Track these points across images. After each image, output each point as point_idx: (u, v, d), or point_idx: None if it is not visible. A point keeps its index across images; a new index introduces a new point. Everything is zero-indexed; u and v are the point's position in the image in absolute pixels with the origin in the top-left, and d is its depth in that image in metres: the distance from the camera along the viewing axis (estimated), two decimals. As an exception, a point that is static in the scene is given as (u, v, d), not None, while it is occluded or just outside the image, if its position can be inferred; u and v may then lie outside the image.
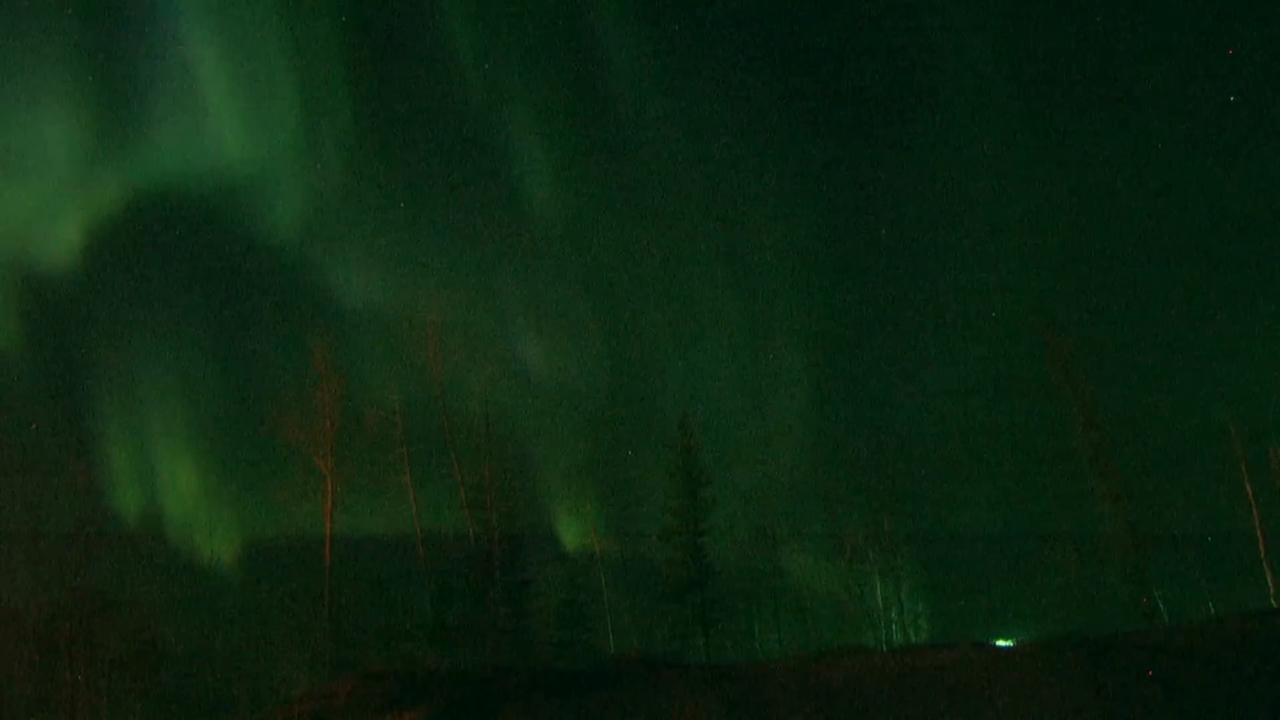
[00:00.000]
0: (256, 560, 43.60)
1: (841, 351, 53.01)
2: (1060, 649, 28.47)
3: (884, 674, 28.39)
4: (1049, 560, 41.81)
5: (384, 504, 39.98)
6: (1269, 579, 37.54)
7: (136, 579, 40.81)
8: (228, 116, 55.47)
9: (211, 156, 54.81)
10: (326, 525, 37.97)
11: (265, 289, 52.52)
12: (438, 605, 38.73)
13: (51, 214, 50.47)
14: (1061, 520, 42.94)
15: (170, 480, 44.90)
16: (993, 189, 54.53)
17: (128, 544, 41.53)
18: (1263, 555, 37.82)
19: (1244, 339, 44.05)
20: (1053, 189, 54.02)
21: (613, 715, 27.90)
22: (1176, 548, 39.59)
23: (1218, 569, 40.10)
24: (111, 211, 52.34)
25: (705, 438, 42.07)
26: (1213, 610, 38.61)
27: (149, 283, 52.50)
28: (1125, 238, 50.94)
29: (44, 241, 50.22)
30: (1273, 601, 37.20)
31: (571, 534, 44.05)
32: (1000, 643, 34.92)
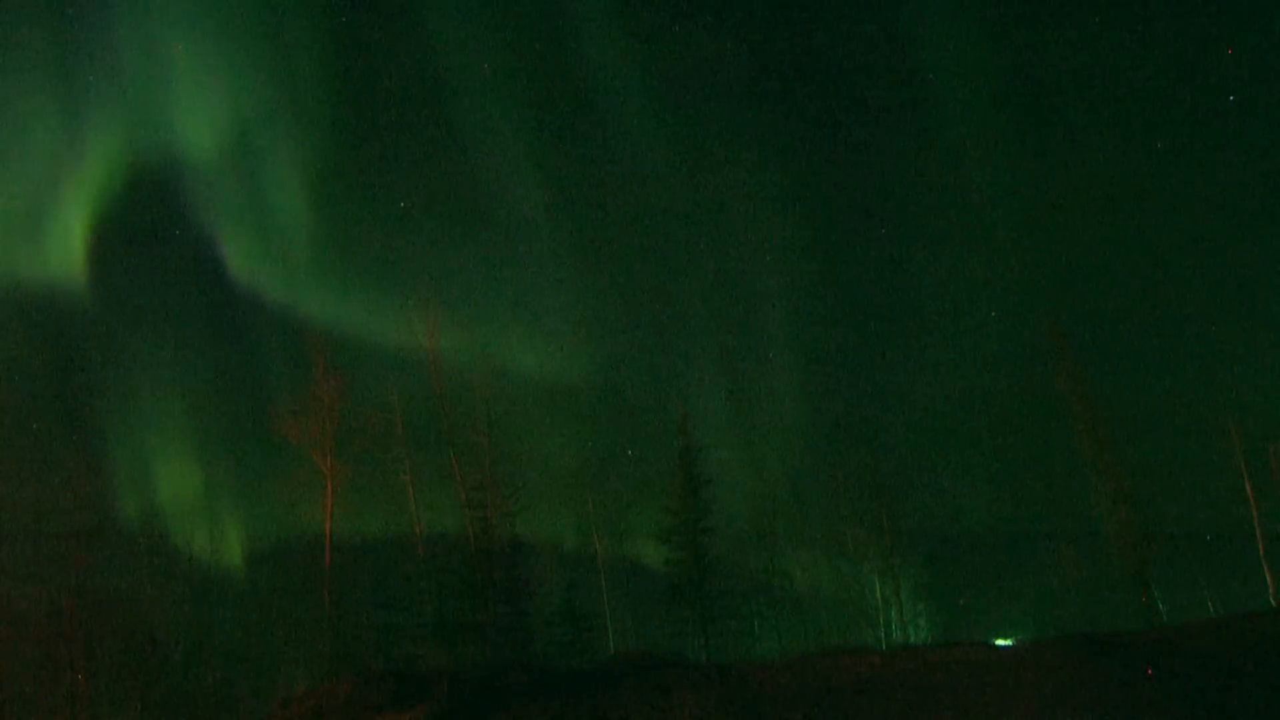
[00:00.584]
0: (256, 560, 43.62)
1: (842, 351, 53.05)
2: (1060, 649, 28.50)
3: (884, 674, 28.42)
4: (1049, 560, 41.85)
5: (384, 504, 40.01)
6: (1269, 579, 37.52)
7: (137, 579, 40.82)
8: (217, 117, 55.47)
9: (205, 158, 54.84)
10: (326, 525, 37.95)
11: (263, 290, 52.45)
12: (438, 605, 38.71)
13: (49, 215, 50.45)
14: (1062, 520, 43.01)
15: (171, 480, 44.91)
16: (992, 189, 54.54)
17: (128, 544, 41.55)
18: (1262, 555, 37.81)
19: (1244, 339, 44.07)
20: (1052, 189, 54.04)
21: (613, 715, 27.92)
22: (1176, 547, 39.59)
23: (1218, 569, 40.11)
24: (109, 212, 52.35)
25: (705, 438, 42.13)
26: (1213, 610, 38.62)
27: (147, 283, 52.49)
28: (1125, 238, 50.97)
29: (41, 241, 50.25)
30: (1273, 601, 37.19)
31: (572, 534, 44.08)
32: (1000, 643, 34.93)
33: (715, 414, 48.30)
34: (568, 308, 51.33)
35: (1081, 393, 39.38)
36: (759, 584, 43.69)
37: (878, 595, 40.91)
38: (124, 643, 37.62)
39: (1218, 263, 48.53)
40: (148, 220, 53.19)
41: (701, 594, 38.81)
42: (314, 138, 57.14)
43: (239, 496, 43.76)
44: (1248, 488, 38.18)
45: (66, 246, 50.73)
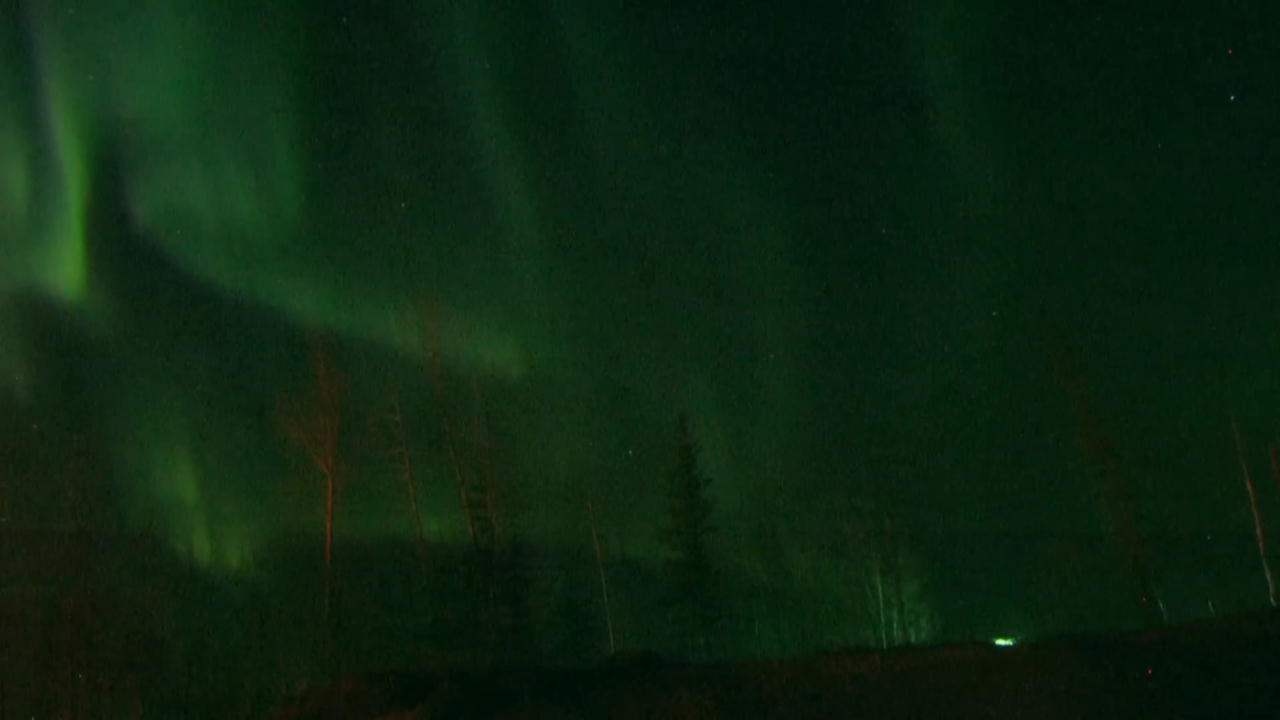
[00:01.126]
0: (257, 560, 43.64)
1: (841, 350, 53.00)
2: (1060, 649, 28.47)
3: (884, 674, 28.40)
4: (1049, 560, 41.82)
5: (385, 504, 40.04)
6: (1269, 578, 37.53)
7: (137, 579, 40.82)
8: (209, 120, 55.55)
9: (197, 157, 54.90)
10: (327, 525, 37.98)
11: (261, 289, 52.51)
12: (438, 605, 38.74)
13: (39, 214, 50.50)
14: (1062, 520, 42.99)
15: (171, 480, 44.95)
16: (992, 187, 54.50)
17: (129, 544, 41.54)
18: (1263, 554, 37.82)
19: (1244, 339, 44.04)
20: (1051, 188, 54.00)
21: (613, 715, 27.91)
22: (1176, 547, 39.59)
23: (1218, 569, 40.10)
24: (105, 210, 52.39)
25: (705, 438, 42.19)
26: (1213, 609, 38.62)
27: (147, 283, 52.51)
28: (1125, 237, 50.93)
29: (36, 242, 50.33)
30: (1273, 601, 37.19)
31: (572, 534, 44.06)
32: (1000, 642, 34.92)
33: (714, 413, 48.33)
34: (566, 306, 51.31)
35: (1082, 392, 39.42)
36: (759, 584, 43.74)
37: (878, 595, 40.92)
38: (124, 643, 37.65)
39: (1218, 262, 48.51)
40: (143, 226, 53.16)
41: (701, 594, 38.87)
42: (308, 134, 57.16)
43: (240, 496, 43.80)
44: (1248, 488, 38.19)
45: (60, 247, 50.77)
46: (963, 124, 55.52)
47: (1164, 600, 37.76)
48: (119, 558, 40.23)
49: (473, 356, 40.92)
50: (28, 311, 48.02)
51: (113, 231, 52.55)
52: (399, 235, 53.85)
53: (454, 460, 39.28)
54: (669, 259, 55.71)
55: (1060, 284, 49.42)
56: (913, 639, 39.95)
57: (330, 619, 37.82)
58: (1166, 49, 54.03)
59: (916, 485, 43.20)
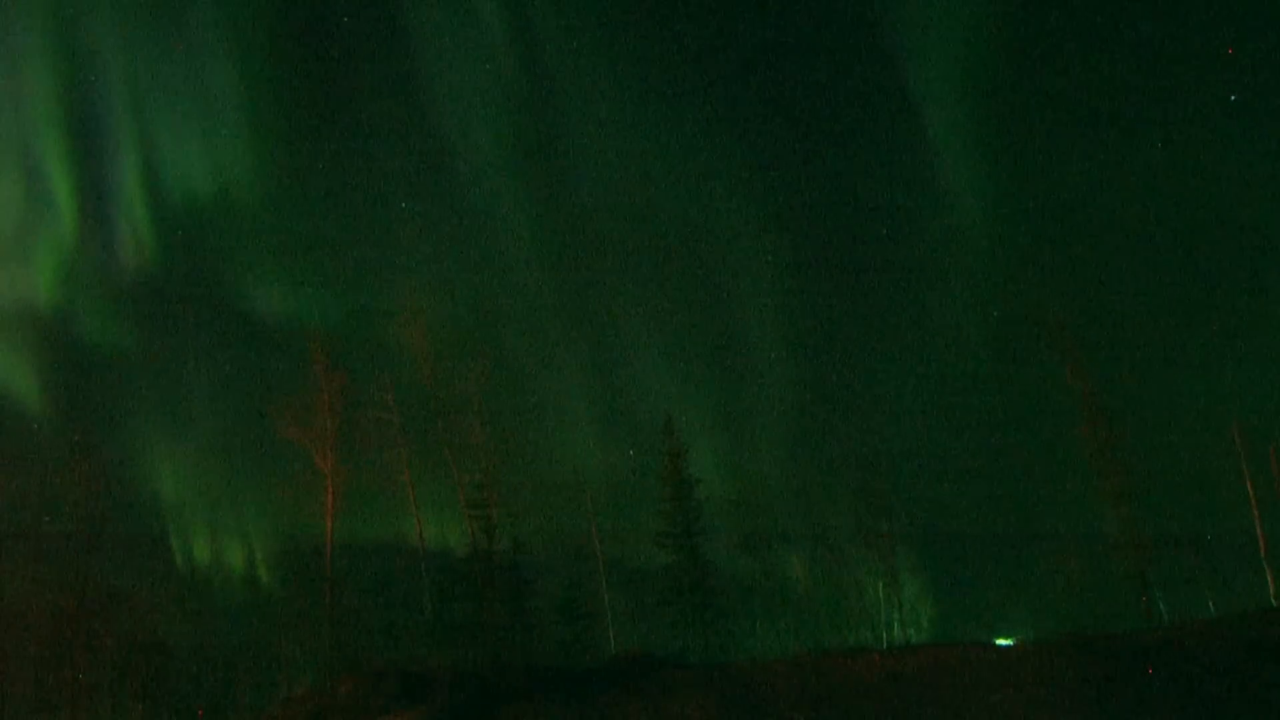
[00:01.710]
0: (257, 560, 43.64)
1: (842, 349, 52.95)
2: (1060, 649, 28.49)
3: (884, 674, 28.41)
4: (1049, 560, 41.80)
5: (384, 504, 40.06)
6: (1269, 579, 37.51)
7: (138, 579, 40.84)
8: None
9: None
10: (327, 525, 38.00)
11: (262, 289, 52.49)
12: (438, 605, 38.75)
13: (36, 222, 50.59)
14: (1062, 520, 42.97)
15: (172, 480, 44.94)
16: (991, 187, 54.47)
17: (130, 544, 41.56)
18: (1263, 555, 37.79)
19: (1244, 339, 44.02)
20: (1051, 188, 53.96)
21: (613, 715, 27.92)
22: (1177, 547, 39.57)
23: (1218, 569, 40.08)
24: (101, 210, 52.42)
25: (703, 437, 42.16)
26: (1213, 610, 38.57)
27: (146, 283, 52.53)
28: (1125, 237, 50.89)
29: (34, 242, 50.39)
30: (1273, 601, 37.17)
31: (572, 533, 44.03)
32: (1000, 642, 34.90)
33: (715, 413, 48.30)
34: (563, 304, 51.31)
35: (1084, 392, 39.40)
36: (759, 584, 43.70)
37: (878, 595, 40.89)
38: (125, 643, 37.68)
39: (1218, 262, 48.50)
40: (139, 225, 53.20)
41: (701, 594, 38.84)
42: (306, 132, 57.20)
43: (240, 496, 43.79)
44: (1249, 488, 38.18)
45: (59, 251, 50.82)
46: (960, 122, 55.50)
47: (1164, 600, 37.74)
48: (119, 558, 40.25)
49: (472, 356, 40.86)
50: (28, 312, 48.04)
51: (112, 231, 52.55)
52: (399, 234, 53.83)
53: (453, 460, 39.33)
54: (664, 259, 55.62)
55: (1060, 284, 49.38)
56: (913, 639, 39.94)
57: (331, 619, 37.82)
58: (1166, 49, 53.99)
59: (916, 485, 43.19)
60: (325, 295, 50.45)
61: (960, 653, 29.86)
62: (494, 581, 37.71)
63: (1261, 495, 38.03)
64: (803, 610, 43.45)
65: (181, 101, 55.71)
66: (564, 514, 43.21)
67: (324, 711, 30.58)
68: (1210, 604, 39.15)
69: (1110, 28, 56.15)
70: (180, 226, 54.13)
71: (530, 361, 46.28)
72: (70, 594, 36.82)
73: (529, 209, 55.92)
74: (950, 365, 49.03)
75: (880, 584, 40.80)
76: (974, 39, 54.54)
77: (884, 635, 40.22)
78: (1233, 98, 49.48)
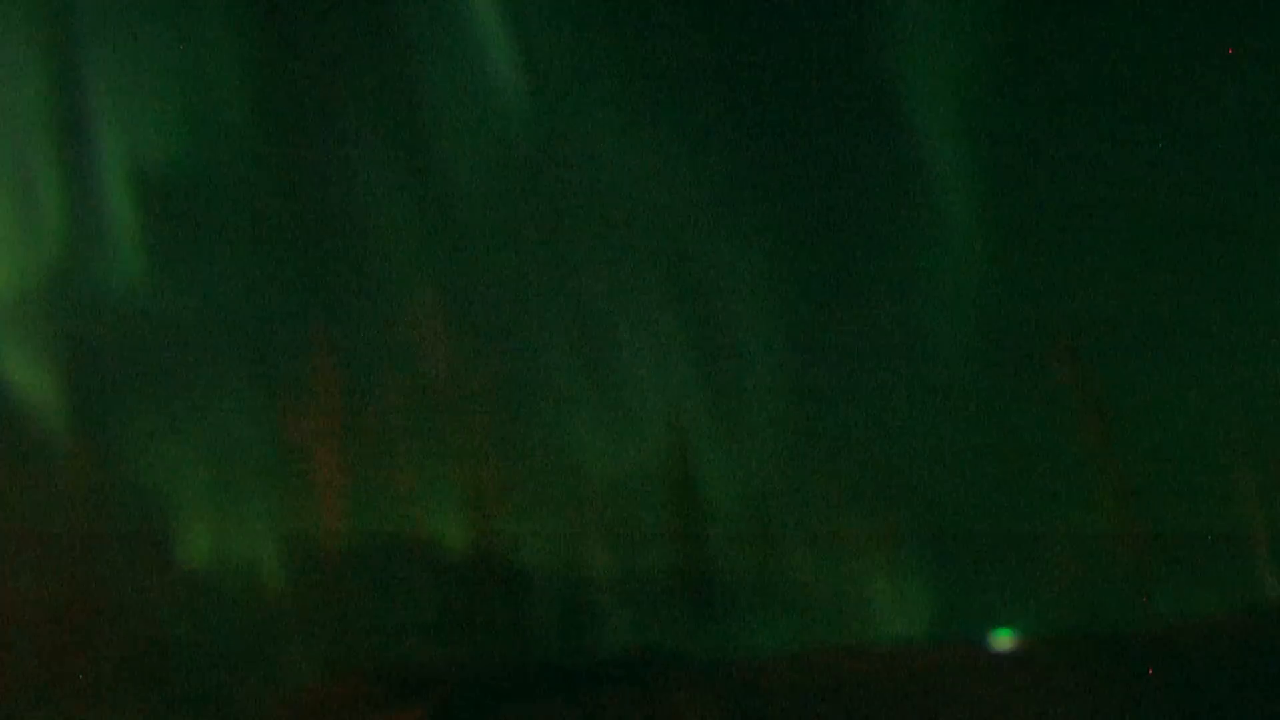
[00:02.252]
0: (256, 559, 43.63)
1: (839, 347, 52.92)
2: (1061, 648, 28.48)
3: (884, 673, 28.41)
4: (1049, 559, 41.83)
5: (384, 502, 40.08)
6: (1269, 578, 37.56)
7: (138, 579, 40.83)
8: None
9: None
10: (327, 524, 38.02)
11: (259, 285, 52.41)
12: (437, 604, 38.80)
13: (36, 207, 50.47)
14: (1062, 519, 42.99)
15: (171, 479, 44.90)
16: (991, 187, 54.42)
17: (129, 544, 41.56)
18: (1263, 554, 37.85)
19: (1244, 339, 44.04)
20: (1051, 188, 53.92)
21: (613, 714, 27.91)
22: (1177, 547, 39.61)
23: (1218, 569, 40.12)
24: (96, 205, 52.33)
25: (705, 437, 42.18)
26: (1213, 610, 38.61)
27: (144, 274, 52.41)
28: (1125, 237, 50.89)
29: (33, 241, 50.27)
30: (1273, 601, 37.23)
31: (572, 532, 44.05)
32: (1000, 642, 34.91)
33: (714, 413, 48.27)
34: (562, 306, 51.26)
35: (1084, 391, 39.45)
36: (759, 583, 43.72)
37: (878, 594, 40.94)
38: (125, 643, 37.68)
39: (1218, 262, 48.49)
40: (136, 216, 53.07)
41: (702, 593, 38.89)
42: (303, 131, 57.14)
43: (240, 495, 43.76)
44: (1249, 487, 38.22)
45: (55, 243, 50.71)
46: (961, 121, 55.44)
47: (1164, 600, 37.78)
48: (119, 558, 40.26)
49: (471, 356, 40.89)
50: (28, 313, 47.97)
51: (112, 232, 52.47)
52: (398, 235, 53.74)
53: (453, 459, 39.37)
54: (663, 262, 55.60)
55: (1060, 282, 49.38)
56: (913, 639, 39.95)
57: (330, 618, 37.84)
58: (1167, 49, 53.97)
59: (916, 483, 43.21)
60: (325, 295, 50.38)
61: (960, 652, 29.87)
62: (493, 581, 37.75)
63: (1261, 494, 38.10)
64: (803, 609, 43.49)
65: (171, 99, 55.60)
66: (564, 512, 43.25)
67: (324, 711, 30.58)
68: (1210, 604, 39.21)
69: (1109, 27, 56.11)
70: (174, 223, 54.01)
71: (529, 360, 46.20)
72: (70, 594, 36.83)
73: (527, 211, 55.86)
74: (949, 364, 49.02)
75: (880, 583, 40.86)
76: (973, 39, 54.49)
77: (884, 634, 40.26)
78: (1233, 98, 49.46)
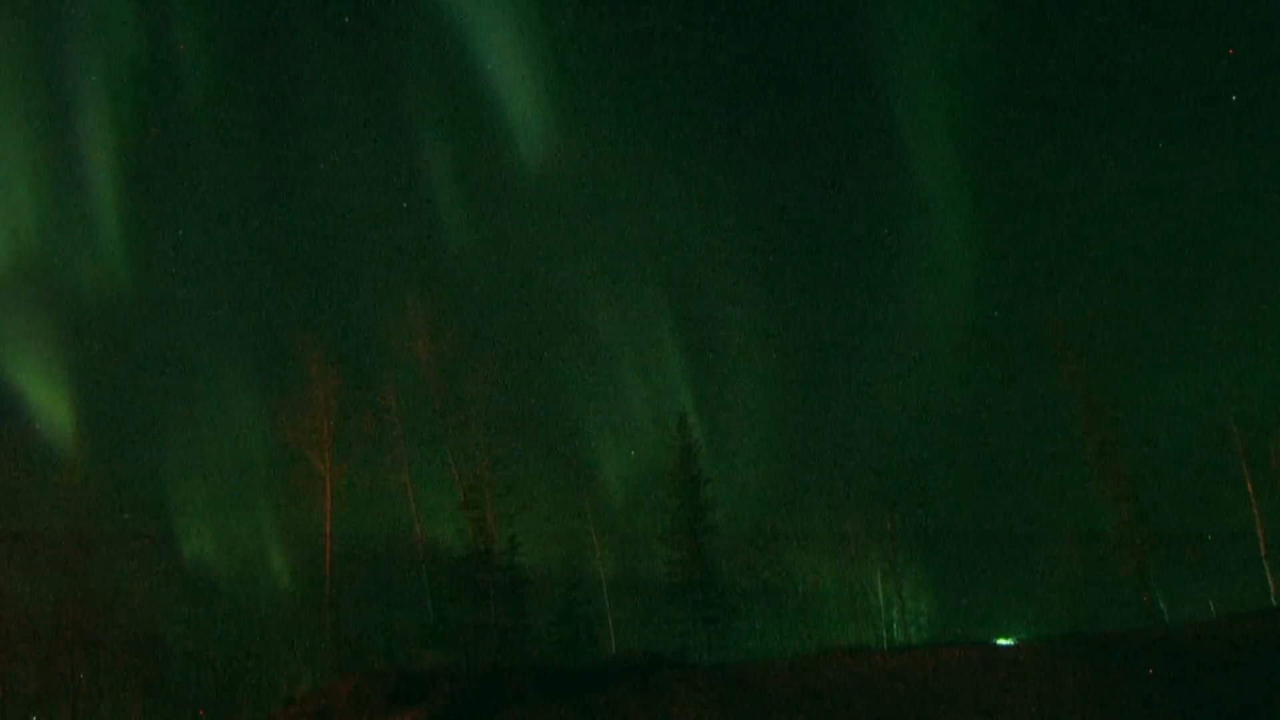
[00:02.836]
0: (257, 560, 43.62)
1: (841, 349, 52.97)
2: (1061, 648, 28.51)
3: (884, 674, 28.43)
4: (1049, 560, 41.81)
5: (384, 505, 40.07)
6: (1269, 577, 37.55)
7: (138, 579, 40.83)
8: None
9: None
10: (326, 526, 38.01)
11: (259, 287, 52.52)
12: (438, 605, 38.78)
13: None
14: (1062, 520, 42.99)
15: (171, 479, 44.92)
16: (992, 188, 54.50)
17: (129, 544, 41.56)
18: (1263, 553, 37.84)
19: (1244, 338, 44.04)
20: (1052, 188, 53.98)
21: (613, 714, 27.92)
22: (1177, 547, 39.60)
23: (1218, 569, 40.11)
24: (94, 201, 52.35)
25: (704, 437, 42.15)
26: (1213, 609, 38.63)
27: (145, 277, 52.47)
28: (1125, 236, 50.95)
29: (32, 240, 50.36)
30: (1273, 600, 37.21)
31: (572, 532, 44.03)
32: (1000, 642, 34.91)
33: (714, 412, 48.30)
34: (562, 306, 51.32)
35: (1084, 392, 39.43)
36: (760, 583, 43.70)
37: (878, 595, 40.91)
38: (125, 643, 37.68)
39: (1218, 261, 48.53)
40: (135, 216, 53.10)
41: (702, 594, 38.84)
42: (303, 131, 57.25)
43: (239, 496, 43.77)
44: (1248, 487, 38.22)
45: (55, 245, 50.76)
46: (962, 121, 55.47)
47: (1164, 600, 37.76)
48: (119, 558, 40.25)
49: (471, 357, 40.89)
50: (27, 312, 48.01)
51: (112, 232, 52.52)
52: (399, 235, 53.79)
53: (453, 461, 39.36)
54: (659, 264, 55.64)
55: (1061, 283, 49.44)
56: (913, 638, 39.95)
57: (330, 619, 37.83)
58: (1167, 49, 54.01)
59: (917, 484, 43.17)
60: (325, 296, 50.45)
61: (960, 653, 29.88)
62: (493, 581, 37.73)
63: (1261, 494, 38.09)
64: (803, 610, 43.48)
65: (161, 110, 55.67)
66: (564, 513, 43.24)
67: (324, 711, 30.59)
68: (1210, 604, 39.20)
69: (1110, 27, 56.17)
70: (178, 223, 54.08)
71: (528, 362, 46.24)
72: (70, 594, 36.84)
73: (525, 212, 55.97)
74: (950, 365, 49.06)
75: (881, 583, 40.82)
76: (969, 37, 54.55)
77: (884, 635, 40.24)
78: (1234, 98, 49.50)
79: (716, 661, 35.84)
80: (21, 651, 36.35)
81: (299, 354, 40.27)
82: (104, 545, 38.92)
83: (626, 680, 30.41)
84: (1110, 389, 40.27)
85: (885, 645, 38.28)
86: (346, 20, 56.78)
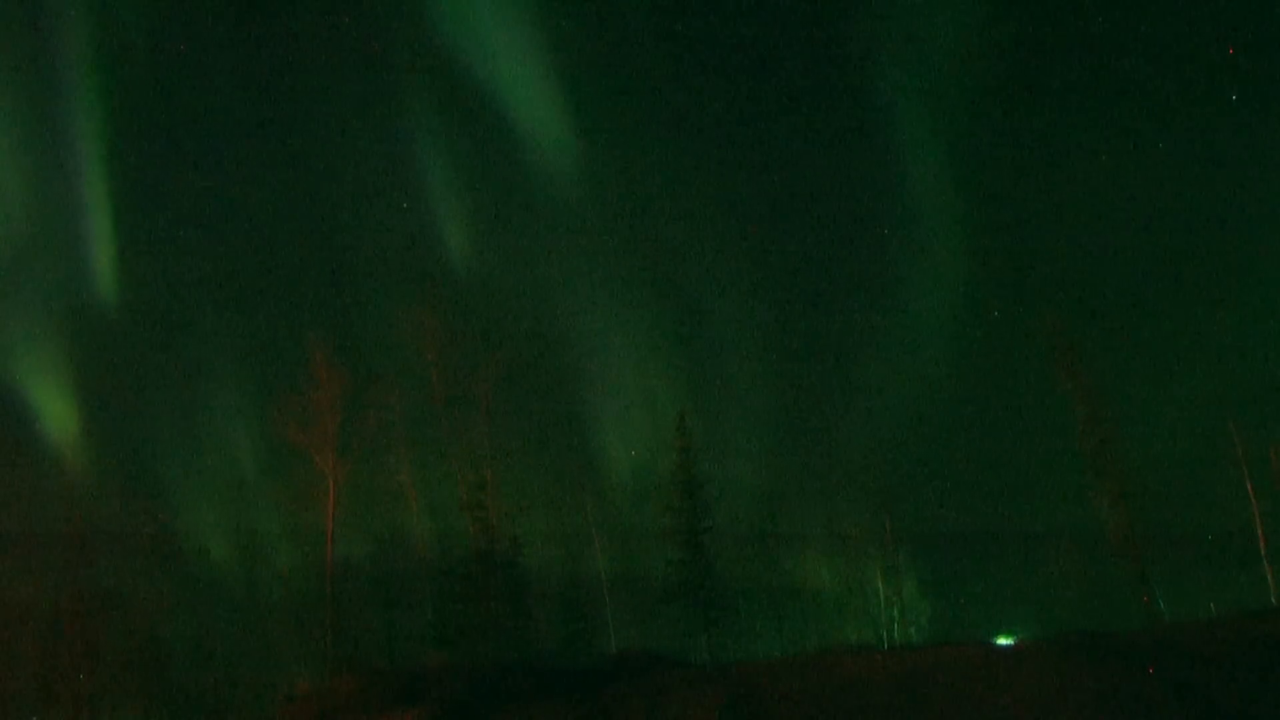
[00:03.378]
0: (258, 560, 43.66)
1: (841, 348, 53.06)
2: (1061, 648, 28.46)
3: (884, 674, 28.40)
4: (1049, 560, 41.87)
5: (385, 504, 40.08)
6: (1269, 577, 37.55)
7: (138, 579, 40.86)
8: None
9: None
10: (328, 525, 38.00)
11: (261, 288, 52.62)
12: (438, 605, 38.78)
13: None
14: (1062, 520, 43.03)
15: (172, 479, 44.97)
16: (993, 185, 54.57)
17: (129, 543, 41.59)
18: (1263, 553, 37.83)
19: (1244, 339, 44.06)
20: (1052, 189, 54.05)
21: (614, 714, 27.92)
22: (1176, 547, 39.61)
23: (1218, 569, 40.13)
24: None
25: (704, 437, 42.16)
26: (1213, 608, 38.64)
27: (147, 276, 52.60)
28: (1125, 236, 50.99)
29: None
30: (1273, 599, 37.22)
31: (572, 532, 44.09)
32: (1001, 642, 34.93)
33: (713, 412, 48.36)
34: (561, 306, 51.37)
35: (1083, 391, 39.42)
36: (760, 583, 43.76)
37: (878, 595, 40.94)
38: (126, 643, 37.71)
39: (1218, 261, 48.57)
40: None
41: (702, 593, 38.86)
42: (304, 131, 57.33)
43: (241, 496, 43.82)
44: (1248, 487, 38.21)
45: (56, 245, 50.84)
46: (961, 121, 55.54)
47: (1164, 600, 37.75)
48: (120, 558, 40.29)
49: (473, 357, 40.87)
50: (27, 312, 48.07)
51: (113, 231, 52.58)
52: (402, 234, 53.84)
53: (454, 460, 39.36)
54: (657, 265, 55.70)
55: (1060, 283, 49.49)
56: (913, 638, 39.99)
57: (331, 619, 37.84)
58: (1167, 49, 54.03)
59: (918, 483, 43.28)
60: (325, 293, 50.49)
61: (960, 653, 29.85)
62: (494, 581, 37.74)
63: (1260, 494, 38.08)
64: (804, 610, 43.54)
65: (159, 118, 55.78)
66: (565, 513, 43.32)
67: (325, 711, 30.59)
68: (1210, 604, 39.22)
69: (1110, 27, 56.18)
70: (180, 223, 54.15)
71: (530, 362, 46.23)
72: (70, 594, 36.85)
73: (526, 213, 56.03)
74: (949, 365, 49.12)
75: (881, 583, 40.87)
76: (967, 36, 54.57)
77: (884, 635, 40.28)
78: (1234, 98, 49.50)
79: (716, 661, 35.87)
80: (22, 652, 36.38)
81: (303, 353, 40.32)
82: (105, 545, 38.96)
83: (627, 680, 30.40)
84: (1109, 389, 40.32)
85: (885, 645, 38.32)
86: (347, 20, 56.86)
